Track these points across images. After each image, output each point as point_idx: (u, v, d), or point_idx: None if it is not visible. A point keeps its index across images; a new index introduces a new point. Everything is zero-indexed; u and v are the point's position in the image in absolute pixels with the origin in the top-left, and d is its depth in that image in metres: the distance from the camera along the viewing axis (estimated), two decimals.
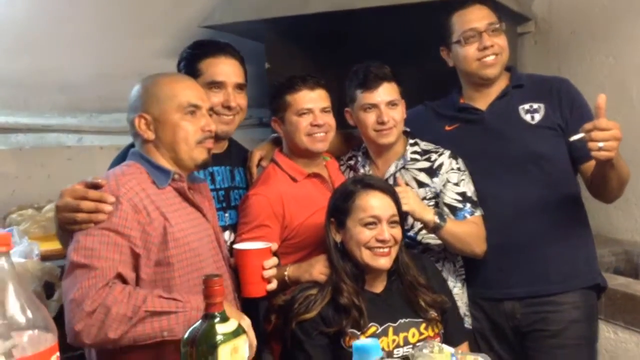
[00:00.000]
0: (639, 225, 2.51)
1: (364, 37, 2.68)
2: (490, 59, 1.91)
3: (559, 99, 1.92)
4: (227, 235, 1.80)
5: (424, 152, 1.95)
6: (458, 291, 1.93)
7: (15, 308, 0.85)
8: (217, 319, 0.93)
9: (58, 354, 0.89)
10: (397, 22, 2.62)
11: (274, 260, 1.53)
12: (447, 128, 2.02)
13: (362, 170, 1.98)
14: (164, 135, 1.47)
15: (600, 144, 1.58)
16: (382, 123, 1.86)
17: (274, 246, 1.55)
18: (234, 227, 1.82)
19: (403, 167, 1.93)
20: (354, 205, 1.64)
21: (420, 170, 1.92)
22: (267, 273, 1.51)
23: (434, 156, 1.93)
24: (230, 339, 0.92)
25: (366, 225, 1.62)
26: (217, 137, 1.81)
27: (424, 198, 1.89)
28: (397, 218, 1.65)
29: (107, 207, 1.33)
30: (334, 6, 2.49)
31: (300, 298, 1.60)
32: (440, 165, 1.90)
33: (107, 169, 1.66)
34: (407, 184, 1.86)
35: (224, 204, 1.83)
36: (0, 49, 2.71)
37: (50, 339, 0.88)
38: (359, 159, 2.01)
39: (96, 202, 1.34)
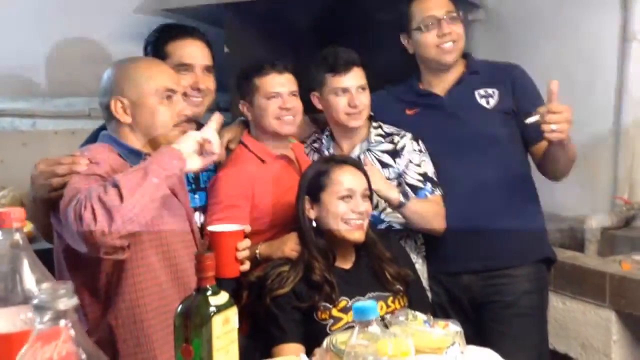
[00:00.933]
0: (581, 202, 2.68)
1: (323, 22, 2.73)
2: (448, 45, 1.99)
3: (512, 84, 2.03)
4: (197, 217, 1.82)
5: (387, 135, 2.02)
6: (419, 267, 2.01)
7: (31, 281, 0.88)
8: (210, 292, 0.97)
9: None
10: (357, 7, 2.67)
11: (247, 242, 1.56)
12: (408, 112, 2.10)
13: (326, 153, 2.03)
14: (141, 118, 1.48)
15: (553, 127, 1.69)
16: (354, 107, 1.92)
17: (247, 228, 1.58)
18: (203, 209, 1.84)
19: (367, 149, 1.99)
20: (329, 179, 1.70)
21: (384, 152, 2.00)
22: (241, 254, 1.54)
23: (396, 138, 2.00)
24: (221, 310, 0.97)
25: (342, 198, 1.69)
26: (187, 120, 1.83)
27: (388, 178, 1.96)
28: (368, 192, 1.73)
29: (81, 167, 1.34)
30: None
31: (273, 275, 1.65)
32: (403, 147, 1.98)
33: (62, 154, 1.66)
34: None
35: (194, 186, 1.85)
36: None
37: None
38: (324, 141, 2.07)
39: (70, 164, 1.35)
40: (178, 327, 0.95)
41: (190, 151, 1.37)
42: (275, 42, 2.80)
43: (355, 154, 1.99)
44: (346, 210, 1.68)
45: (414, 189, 1.95)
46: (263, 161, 1.91)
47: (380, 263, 1.73)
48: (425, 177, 1.97)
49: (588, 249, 2.51)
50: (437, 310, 2.05)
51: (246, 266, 1.58)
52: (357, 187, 1.70)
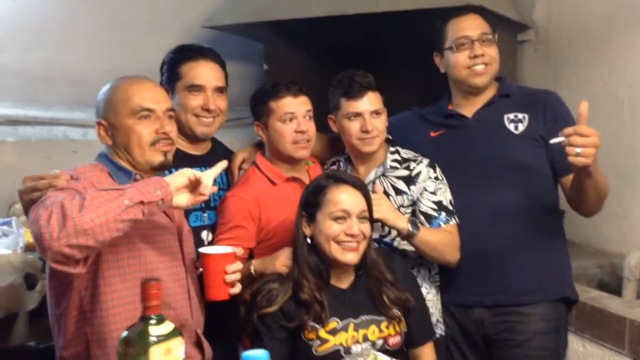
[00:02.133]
0: (626, 238, 2.51)
1: (361, 42, 2.73)
2: (479, 67, 1.94)
3: (543, 111, 1.94)
4: (205, 235, 1.86)
5: (404, 161, 1.99)
6: (432, 297, 1.97)
7: None
8: (153, 321, 1.01)
9: None
10: (394, 28, 2.66)
11: (237, 265, 1.57)
12: (432, 134, 2.06)
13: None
14: (119, 139, 1.52)
15: (578, 150, 1.60)
16: (366, 132, 1.91)
17: (239, 251, 1.60)
18: (212, 228, 1.88)
19: (383, 175, 1.97)
20: (325, 199, 1.68)
21: (399, 178, 1.96)
22: (229, 277, 1.54)
23: (412, 165, 1.97)
24: (163, 340, 1.00)
25: (336, 219, 1.66)
26: (197, 139, 1.91)
27: (401, 205, 1.93)
28: (366, 214, 1.69)
29: (60, 182, 1.39)
30: (332, 11, 2.55)
31: (263, 291, 1.65)
32: (418, 174, 1.94)
33: None
34: (385, 192, 1.91)
35: (203, 205, 1.85)
36: (13, 42, 2.85)
37: None
38: (341, 164, 2.07)
39: (50, 180, 1.41)
40: (120, 353, 0.99)
41: (179, 185, 1.37)
42: (313, 61, 2.83)
43: (370, 178, 1.97)
44: (339, 232, 1.65)
45: (428, 217, 1.91)
46: (273, 183, 1.93)
47: (379, 286, 1.70)
48: (439, 205, 1.92)
49: (626, 288, 2.34)
50: (450, 344, 2.00)
51: (236, 289, 1.59)
52: (352, 208, 1.66)
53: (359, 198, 1.69)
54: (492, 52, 1.95)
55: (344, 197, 1.67)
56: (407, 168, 1.97)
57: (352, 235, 1.64)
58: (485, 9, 2.13)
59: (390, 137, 2.02)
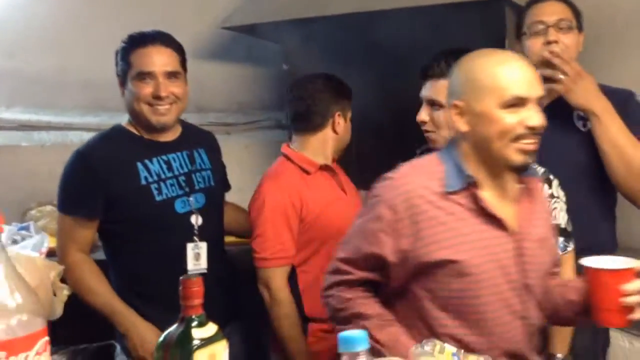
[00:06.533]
0: None
1: (383, 40, 2.66)
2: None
3: (617, 110, 1.79)
4: (195, 219, 1.81)
5: None
6: None
7: (4, 291, 0.85)
8: (195, 323, 0.92)
9: (47, 338, 0.89)
10: (416, 25, 2.59)
11: (637, 285, 1.24)
12: None
13: None
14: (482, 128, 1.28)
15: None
16: None
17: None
18: (200, 211, 1.82)
19: None
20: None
21: None
22: (629, 300, 1.24)
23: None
24: (207, 344, 0.91)
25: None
26: (158, 129, 1.82)
27: None
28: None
29: None
30: (352, 8, 2.49)
31: None
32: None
33: None
34: None
35: (187, 189, 1.83)
36: (27, 47, 2.79)
37: (39, 323, 0.88)
38: None
39: None
40: (157, 359, 0.91)
41: None
42: (335, 60, 2.76)
43: None
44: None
45: None
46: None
47: None
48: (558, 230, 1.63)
49: None
50: None
51: (638, 314, 1.26)
52: None
53: None
54: (567, 40, 1.84)
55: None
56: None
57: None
58: None
59: None
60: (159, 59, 1.76)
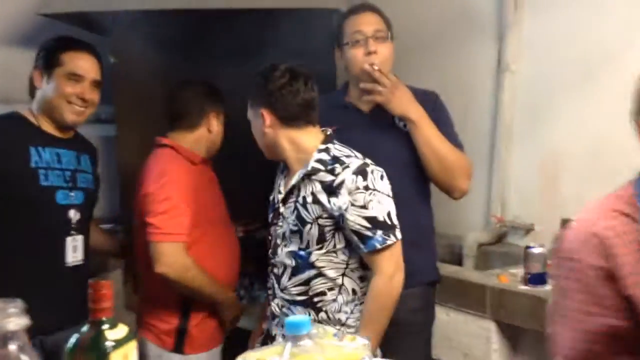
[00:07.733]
0: (459, 220, 2.85)
1: (218, 39, 2.69)
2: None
3: (431, 111, 2.01)
4: (73, 214, 1.94)
5: (332, 161, 1.68)
6: None
7: None
8: (106, 326, 0.91)
9: None
10: (251, 25, 2.67)
11: None
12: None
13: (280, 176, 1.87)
14: None
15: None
16: None
17: None
18: (79, 207, 1.97)
19: (307, 176, 1.69)
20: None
21: (322, 183, 1.66)
22: None
23: (338, 169, 1.66)
24: (121, 345, 0.91)
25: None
26: (67, 127, 1.99)
27: (320, 217, 1.68)
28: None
29: None
30: (186, 4, 2.46)
31: None
32: (341, 184, 1.64)
33: None
34: (303, 199, 1.70)
35: (71, 184, 1.97)
36: None
37: None
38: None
39: None
40: None
41: None
42: (167, 56, 2.72)
43: (293, 182, 1.73)
44: None
45: (362, 238, 1.65)
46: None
47: None
48: (374, 222, 1.63)
49: (466, 263, 2.68)
50: None
51: None
52: None
53: None
54: (384, 49, 1.99)
55: None
56: (332, 172, 1.66)
57: None
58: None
59: (330, 131, 1.80)
60: (90, 67, 1.97)
